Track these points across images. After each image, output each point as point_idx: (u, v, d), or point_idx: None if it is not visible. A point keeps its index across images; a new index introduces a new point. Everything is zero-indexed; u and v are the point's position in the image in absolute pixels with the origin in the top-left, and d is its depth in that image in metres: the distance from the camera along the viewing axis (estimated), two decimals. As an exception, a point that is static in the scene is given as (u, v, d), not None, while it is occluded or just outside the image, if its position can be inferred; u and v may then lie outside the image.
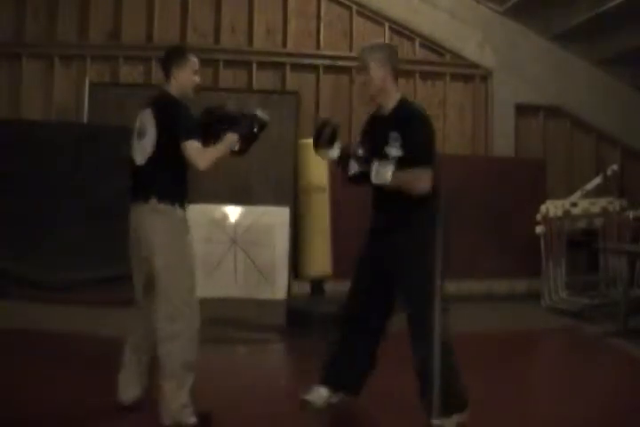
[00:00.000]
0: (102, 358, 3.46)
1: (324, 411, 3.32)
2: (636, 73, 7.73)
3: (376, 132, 3.25)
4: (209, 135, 3.23)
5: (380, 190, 3.22)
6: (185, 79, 3.21)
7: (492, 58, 7.58)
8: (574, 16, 7.07)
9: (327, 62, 7.28)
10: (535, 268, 6.66)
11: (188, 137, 3.02)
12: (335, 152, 3.21)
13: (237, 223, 5.52)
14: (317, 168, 5.68)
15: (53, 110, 6.79)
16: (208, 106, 3.39)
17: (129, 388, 3.20)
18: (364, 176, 3.14)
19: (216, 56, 6.99)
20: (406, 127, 3.12)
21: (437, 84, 7.55)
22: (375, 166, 3.09)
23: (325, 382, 3.37)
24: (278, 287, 5.45)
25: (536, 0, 7.11)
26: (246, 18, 7.20)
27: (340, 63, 7.27)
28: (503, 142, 7.59)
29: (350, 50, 7.27)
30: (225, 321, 5.38)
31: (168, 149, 3.04)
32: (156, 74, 6.54)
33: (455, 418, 3.05)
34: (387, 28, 7.36)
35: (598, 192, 6.91)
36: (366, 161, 3.13)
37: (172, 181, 3.12)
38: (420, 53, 7.46)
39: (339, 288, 5.69)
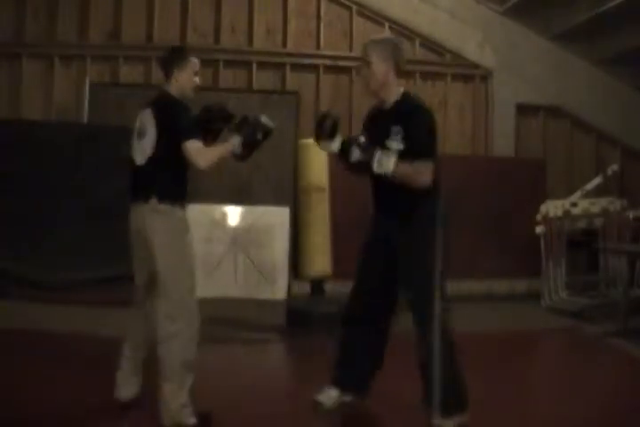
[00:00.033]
0: (102, 358, 3.46)
1: (333, 412, 3.32)
2: (636, 73, 7.73)
3: (377, 126, 3.22)
4: (207, 132, 3.25)
5: (381, 185, 3.20)
6: (185, 80, 3.21)
7: (491, 58, 7.58)
8: (574, 16, 7.07)
9: (327, 62, 7.28)
10: (535, 268, 6.66)
11: (189, 137, 3.02)
12: (336, 144, 3.18)
13: (237, 223, 5.52)
14: (317, 168, 5.68)
15: (53, 110, 6.78)
16: (207, 103, 3.39)
17: (126, 386, 3.22)
18: (365, 165, 3.08)
19: (216, 56, 6.98)
20: (408, 120, 3.10)
21: (437, 84, 7.55)
22: (378, 155, 3.05)
23: (334, 382, 3.38)
24: (278, 287, 5.46)
25: (536, 0, 7.11)
26: (246, 18, 7.20)
27: (340, 63, 7.27)
28: (503, 142, 7.58)
29: (350, 50, 7.28)
30: (225, 321, 5.38)
31: (168, 149, 3.04)
32: (156, 74, 6.52)
33: (456, 419, 3.05)
34: (387, 28, 7.34)
35: (598, 192, 6.91)
36: (369, 149, 3.08)
37: (172, 182, 3.12)
38: (420, 53, 7.46)
39: (339, 288, 5.71)
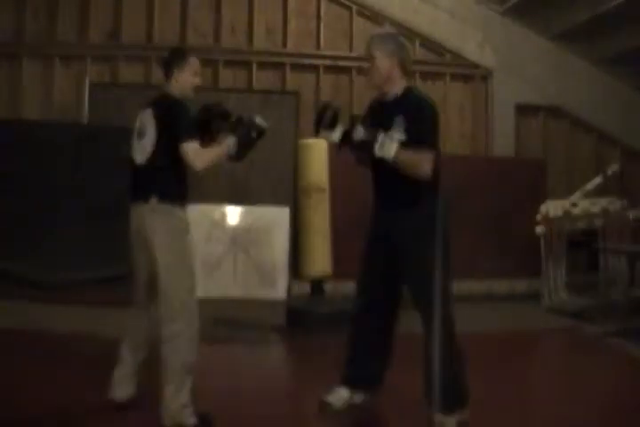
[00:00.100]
0: (102, 358, 3.46)
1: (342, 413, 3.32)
2: (636, 73, 7.73)
3: (379, 117, 3.20)
4: (206, 132, 3.25)
5: (381, 175, 3.19)
6: (185, 80, 3.21)
7: (491, 58, 7.58)
8: (574, 16, 7.07)
9: (327, 62, 7.28)
10: (535, 268, 6.66)
11: (187, 138, 3.02)
12: (337, 134, 3.16)
13: (237, 223, 5.52)
14: (317, 168, 5.68)
15: (53, 110, 6.78)
16: (205, 103, 3.39)
17: (123, 386, 3.21)
18: (367, 145, 3.05)
19: (216, 56, 6.99)
20: (411, 112, 3.10)
21: (437, 84, 7.55)
22: (381, 137, 3.03)
23: (344, 381, 3.37)
24: (278, 287, 5.46)
25: (536, 0, 7.11)
26: (246, 18, 7.20)
27: (340, 63, 7.28)
28: (503, 142, 7.59)
29: (350, 50, 7.28)
30: (225, 321, 5.38)
31: (168, 150, 3.04)
32: (156, 74, 6.52)
33: (457, 415, 3.06)
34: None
35: (598, 192, 6.90)
36: (373, 130, 3.06)
37: (172, 182, 3.12)
38: (420, 53, 7.45)
39: (339, 288, 5.73)
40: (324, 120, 3.18)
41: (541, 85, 7.61)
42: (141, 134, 3.13)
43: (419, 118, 3.10)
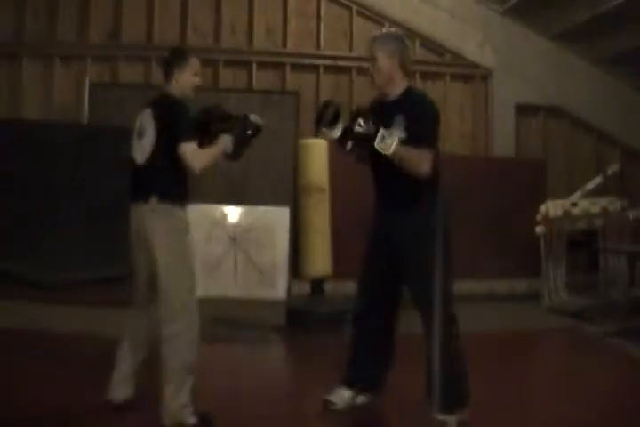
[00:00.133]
0: (102, 358, 3.46)
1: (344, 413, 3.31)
2: (636, 73, 7.73)
3: (379, 117, 3.18)
4: (206, 134, 3.25)
5: (382, 174, 3.19)
6: (185, 81, 3.21)
7: (491, 58, 7.58)
8: (574, 16, 7.07)
9: (327, 62, 7.28)
10: (535, 268, 6.66)
11: (185, 138, 3.02)
12: (338, 132, 3.14)
13: (237, 223, 5.53)
14: (317, 168, 5.68)
15: (53, 110, 6.78)
16: (205, 105, 3.40)
17: (121, 387, 3.21)
18: (368, 138, 3.03)
19: (216, 56, 6.99)
20: (412, 111, 3.11)
21: (437, 84, 7.55)
22: (382, 131, 3.02)
23: (346, 382, 3.37)
24: (278, 287, 5.46)
25: (536, 0, 7.11)
26: (246, 18, 7.20)
27: (340, 63, 7.28)
28: (503, 142, 7.59)
29: (350, 50, 7.28)
30: (225, 321, 5.38)
31: (167, 150, 3.04)
32: (156, 74, 6.52)
33: (457, 415, 3.06)
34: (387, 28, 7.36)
35: (598, 192, 6.90)
36: (374, 124, 3.04)
37: (172, 181, 3.12)
38: (420, 53, 7.45)
39: (339, 288, 5.73)
40: (325, 117, 3.17)
41: (541, 85, 7.61)
42: (141, 134, 3.13)
43: (419, 117, 3.11)
